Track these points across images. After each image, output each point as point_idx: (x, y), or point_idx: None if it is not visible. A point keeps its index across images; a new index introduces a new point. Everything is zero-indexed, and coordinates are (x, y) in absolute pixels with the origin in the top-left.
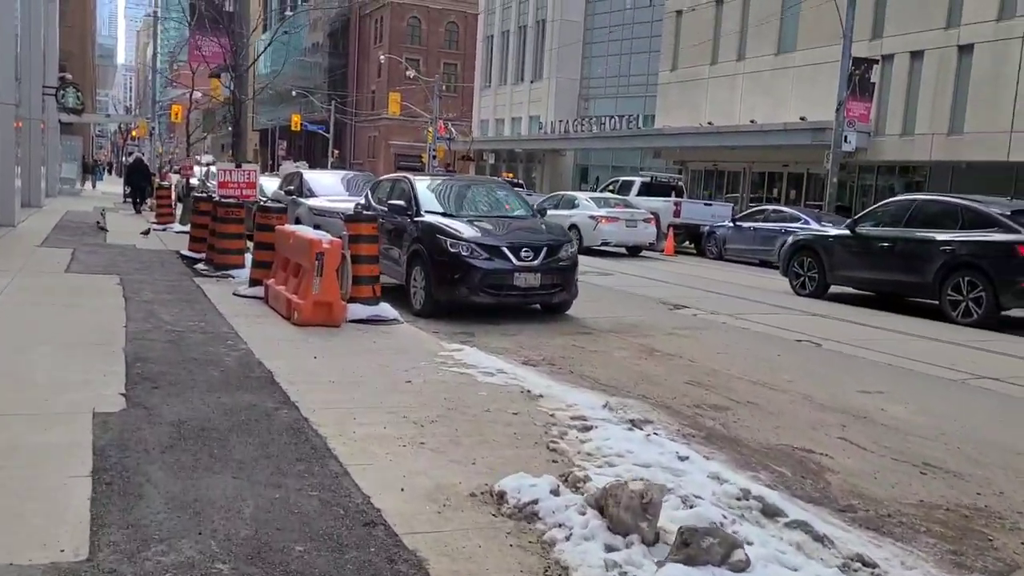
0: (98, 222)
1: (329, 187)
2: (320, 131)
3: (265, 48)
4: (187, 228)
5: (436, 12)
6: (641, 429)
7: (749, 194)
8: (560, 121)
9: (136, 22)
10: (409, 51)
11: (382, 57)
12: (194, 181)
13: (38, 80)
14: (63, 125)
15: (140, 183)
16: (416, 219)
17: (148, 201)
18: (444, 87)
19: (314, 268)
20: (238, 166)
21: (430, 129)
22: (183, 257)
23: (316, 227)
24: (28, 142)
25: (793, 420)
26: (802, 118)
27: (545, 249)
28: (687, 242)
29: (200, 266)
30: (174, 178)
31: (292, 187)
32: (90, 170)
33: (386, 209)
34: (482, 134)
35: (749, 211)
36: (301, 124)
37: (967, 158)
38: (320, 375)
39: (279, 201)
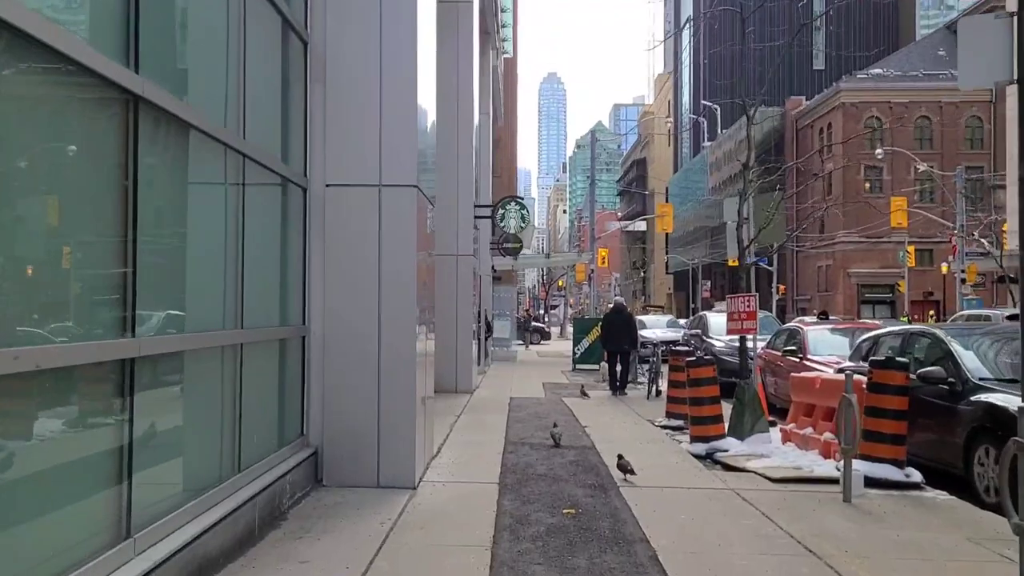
0: (553, 435)
1: None
2: (761, 263)
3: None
4: (766, 461)
5: (900, 107)
6: None
7: None
8: None
9: (546, 189)
10: (867, 157)
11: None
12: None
13: (467, 209)
14: (493, 277)
15: (623, 345)
16: None
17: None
18: (963, 183)
19: None
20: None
21: (909, 250)
22: None
23: None
24: (455, 298)
25: None
26: None
27: None
28: None
29: None
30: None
31: None
32: (526, 327)
33: None
34: None
35: None
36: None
37: None
38: None
39: None
